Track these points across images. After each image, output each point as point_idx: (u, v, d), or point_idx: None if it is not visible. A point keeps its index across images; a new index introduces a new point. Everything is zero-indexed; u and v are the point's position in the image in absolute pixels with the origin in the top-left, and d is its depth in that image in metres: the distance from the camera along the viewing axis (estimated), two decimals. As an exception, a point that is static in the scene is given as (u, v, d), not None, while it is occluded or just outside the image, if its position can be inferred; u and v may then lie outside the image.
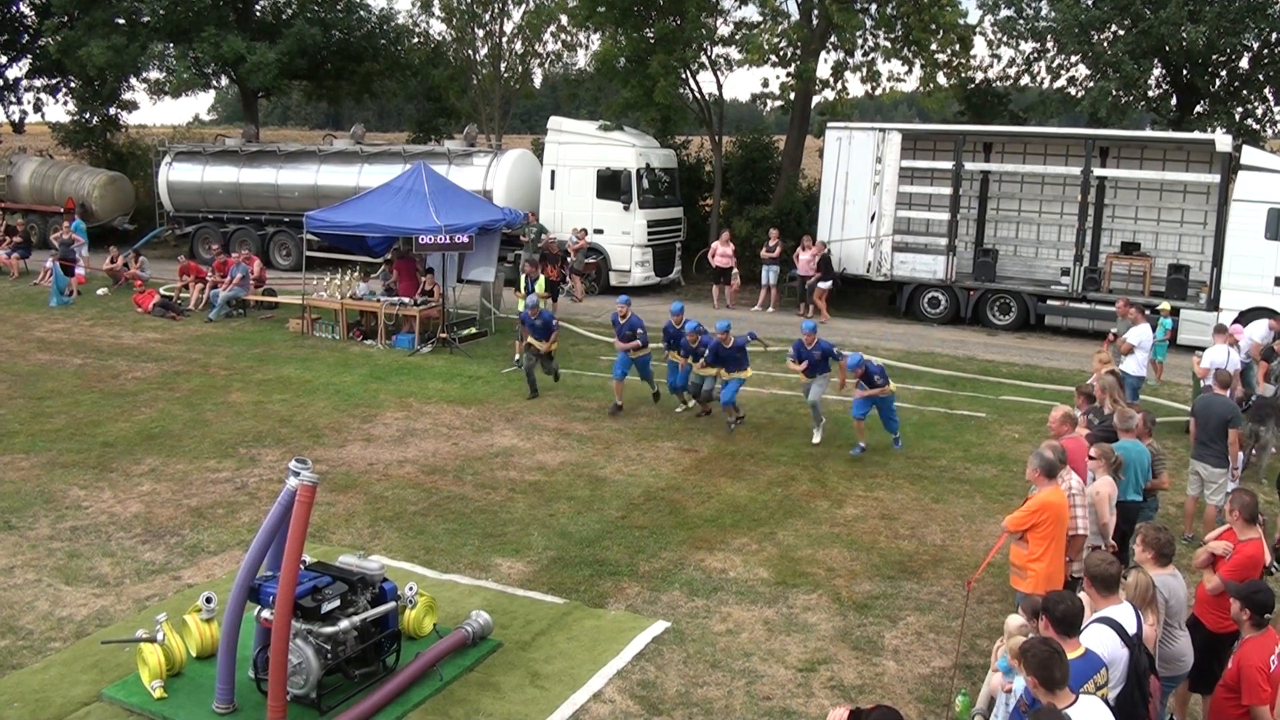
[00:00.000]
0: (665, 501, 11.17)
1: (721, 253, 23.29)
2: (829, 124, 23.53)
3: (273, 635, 6.55)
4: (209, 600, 7.58)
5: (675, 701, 7.24)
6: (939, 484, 11.98)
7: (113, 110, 34.72)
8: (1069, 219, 21.94)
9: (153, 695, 6.96)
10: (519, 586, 9.00)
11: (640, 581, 9.15)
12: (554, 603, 8.69)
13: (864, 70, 26.09)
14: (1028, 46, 26.18)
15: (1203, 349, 13.74)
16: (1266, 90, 24.37)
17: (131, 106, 35.43)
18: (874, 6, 25.53)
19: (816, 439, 13.30)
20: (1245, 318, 17.72)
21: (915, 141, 22.85)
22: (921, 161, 22.62)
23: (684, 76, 26.96)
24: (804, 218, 24.92)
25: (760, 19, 26.13)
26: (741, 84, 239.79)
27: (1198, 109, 24.47)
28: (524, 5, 32.83)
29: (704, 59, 27.35)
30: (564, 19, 30.66)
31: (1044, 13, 25.36)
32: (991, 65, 27.29)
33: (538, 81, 37.23)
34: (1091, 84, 24.37)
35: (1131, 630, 5.53)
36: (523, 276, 19.05)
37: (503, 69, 33.67)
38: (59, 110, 37.10)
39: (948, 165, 22.01)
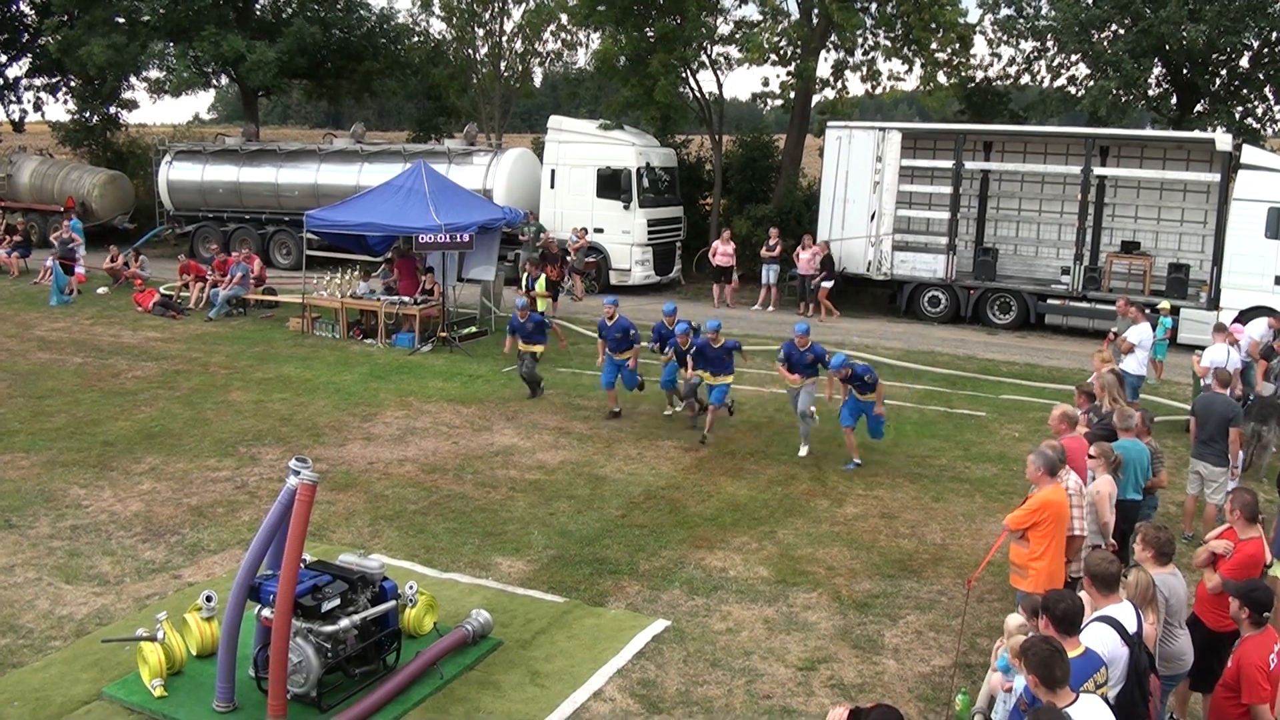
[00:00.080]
0: (665, 500, 11.18)
1: (722, 252, 23.30)
2: (829, 123, 23.54)
3: (273, 634, 6.55)
4: (209, 599, 7.58)
5: (675, 700, 7.24)
6: (939, 483, 11.98)
7: (113, 109, 34.72)
8: (1069, 218, 21.94)
9: (153, 694, 6.96)
10: (519, 585, 9.01)
11: (640, 580, 9.15)
12: (554, 601, 8.69)
13: (864, 69, 26.11)
14: (1028, 45, 26.23)
15: (1203, 348, 13.74)
16: (1267, 89, 24.38)
17: (131, 105, 35.48)
18: (874, 5, 25.53)
19: (803, 452, 12.80)
20: (1245, 317, 17.72)
21: (915, 140, 22.84)
22: (922, 160, 22.61)
23: (684, 75, 26.97)
24: (804, 217, 24.92)
25: (760, 18, 26.16)
26: (742, 83, 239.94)
27: (1198, 108, 24.47)
28: (524, 4, 32.87)
29: (704, 58, 27.37)
30: (564, 18, 30.67)
31: (1044, 11, 25.39)
32: (992, 64, 27.35)
33: (538, 80, 37.27)
34: (1092, 83, 24.37)
35: (1132, 629, 5.53)
36: (524, 275, 19.04)
37: (503, 68, 33.67)
38: (59, 109, 37.25)
39: (948, 164, 22.01)
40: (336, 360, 17.19)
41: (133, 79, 33.43)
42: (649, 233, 24.45)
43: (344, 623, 6.97)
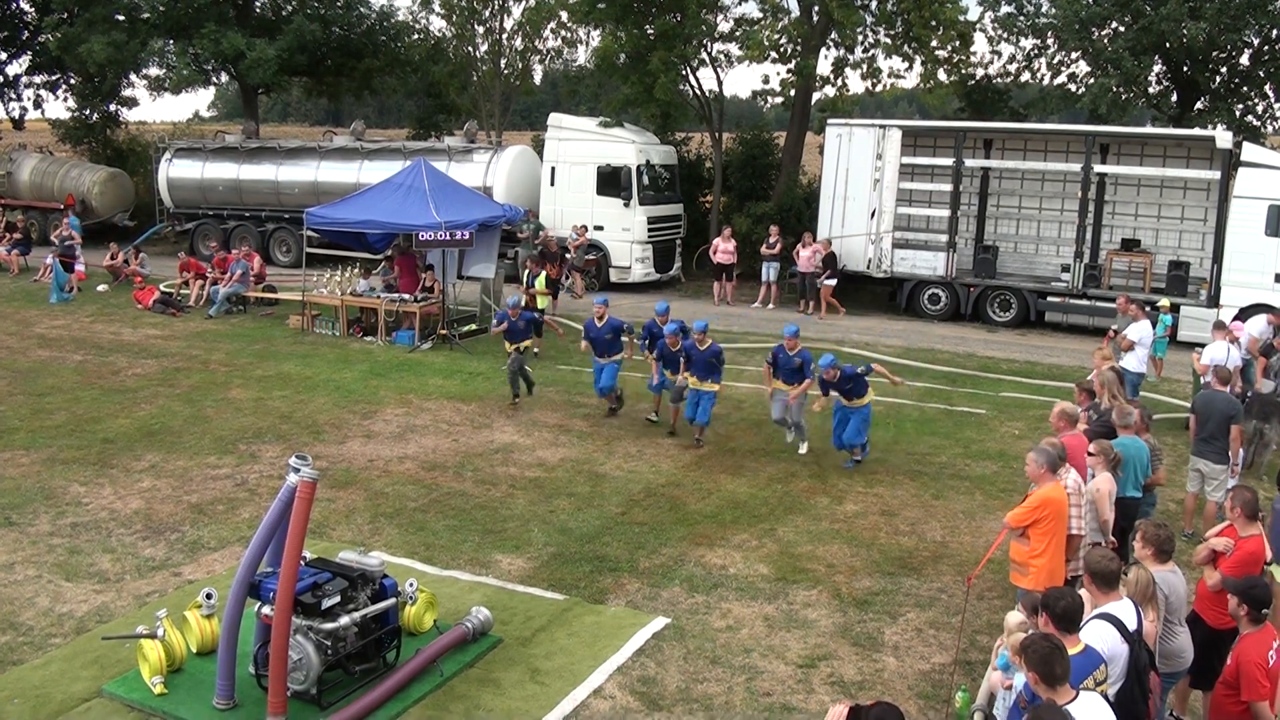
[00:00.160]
0: (665, 498, 11.18)
1: (723, 249, 23.30)
2: (829, 120, 23.53)
3: (273, 631, 6.55)
4: (209, 596, 7.58)
5: (675, 697, 7.24)
6: (939, 480, 11.98)
7: (113, 107, 34.69)
8: (1069, 215, 21.94)
9: (153, 691, 6.97)
10: (519, 583, 9.01)
11: (640, 578, 9.16)
12: (554, 599, 8.69)
13: (864, 67, 26.10)
14: (1028, 43, 26.23)
15: (1203, 346, 13.74)
16: (1267, 87, 24.37)
17: (131, 103, 35.46)
18: (874, 3, 25.54)
19: (803, 450, 12.67)
20: (1245, 314, 17.68)
21: (915, 138, 22.83)
22: (922, 158, 22.61)
23: (684, 73, 26.95)
24: (804, 214, 24.92)
25: (761, 15, 26.18)
26: (742, 80, 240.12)
27: (1198, 105, 24.46)
28: (524, 2, 32.82)
29: (704, 55, 27.35)
30: (564, 15, 30.64)
31: (1044, 9, 25.39)
32: (992, 62, 27.32)
33: (538, 78, 37.22)
34: (1092, 80, 24.37)
35: (1132, 626, 5.53)
36: (524, 272, 19.03)
37: (503, 65, 33.64)
38: (59, 107, 37.18)
39: (948, 162, 22.00)
40: (336, 358, 17.19)
41: (133, 76, 33.42)
42: (649, 230, 24.44)
43: (344, 620, 6.97)
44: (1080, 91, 25.04)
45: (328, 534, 9.88)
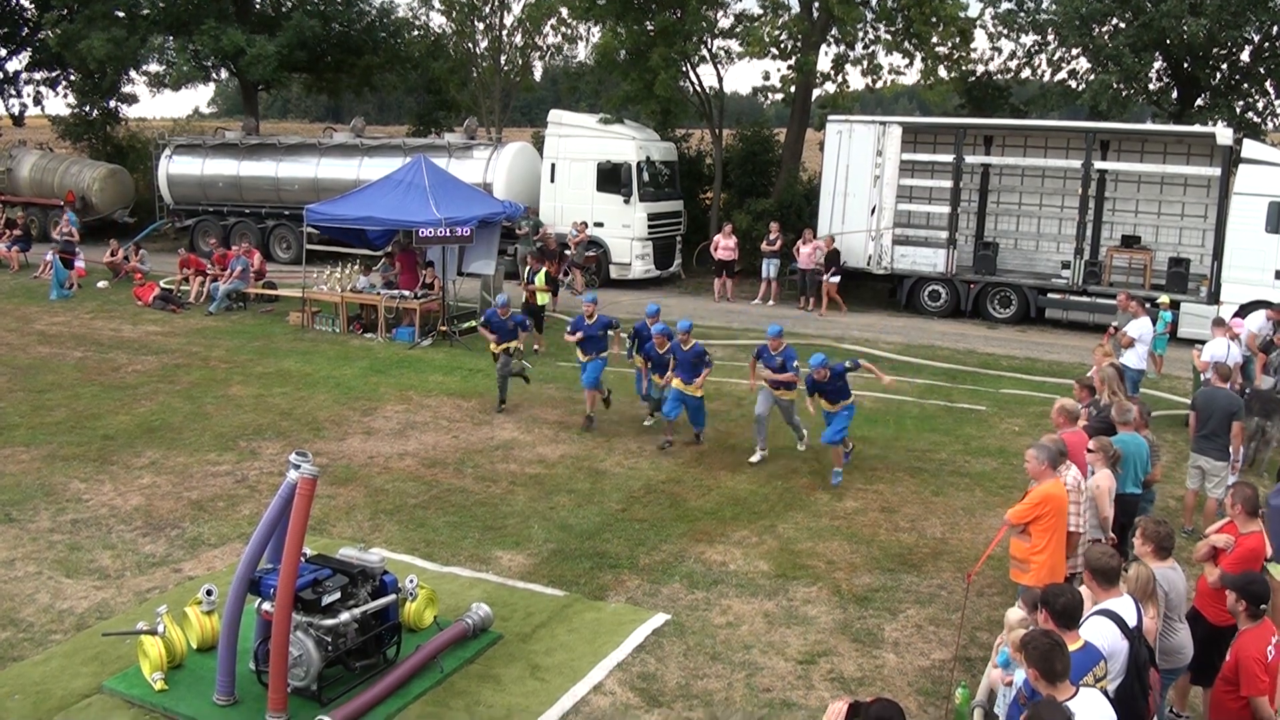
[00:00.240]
0: (665, 494, 11.18)
1: (724, 246, 23.30)
2: (829, 117, 23.55)
3: (273, 627, 6.55)
4: (209, 593, 7.58)
5: (675, 694, 7.25)
6: (939, 477, 11.98)
7: (112, 103, 34.68)
8: (1069, 212, 21.93)
9: (153, 687, 6.97)
10: (519, 579, 9.01)
11: (640, 574, 9.16)
12: (554, 595, 8.69)
13: (865, 63, 26.10)
14: (1028, 39, 26.23)
15: (1203, 343, 13.74)
16: (1267, 83, 24.37)
17: (131, 99, 35.49)
18: (874, -1, 25.52)
19: (801, 447, 12.59)
20: (1245, 311, 17.66)
21: (916, 135, 22.82)
22: (922, 155, 22.60)
23: (684, 69, 26.94)
24: (804, 211, 24.91)
25: (761, 12, 26.17)
26: (742, 77, 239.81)
27: (1198, 102, 24.43)
28: (524, -2, 32.81)
29: (704, 52, 27.33)
30: (564, 12, 30.62)
31: (1045, 5, 25.38)
32: (992, 58, 27.35)
33: (538, 74, 37.22)
34: (1092, 77, 24.36)
35: (1132, 623, 5.53)
36: (524, 269, 19.02)
37: (503, 62, 33.62)
38: (59, 103, 37.12)
39: (948, 158, 21.99)
40: (336, 355, 17.19)
41: (132, 73, 33.39)
42: (649, 227, 24.43)
43: (344, 616, 6.98)
44: (1080, 88, 25.03)
45: (328, 530, 9.89)
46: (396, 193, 18.28)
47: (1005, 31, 26.08)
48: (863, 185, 22.30)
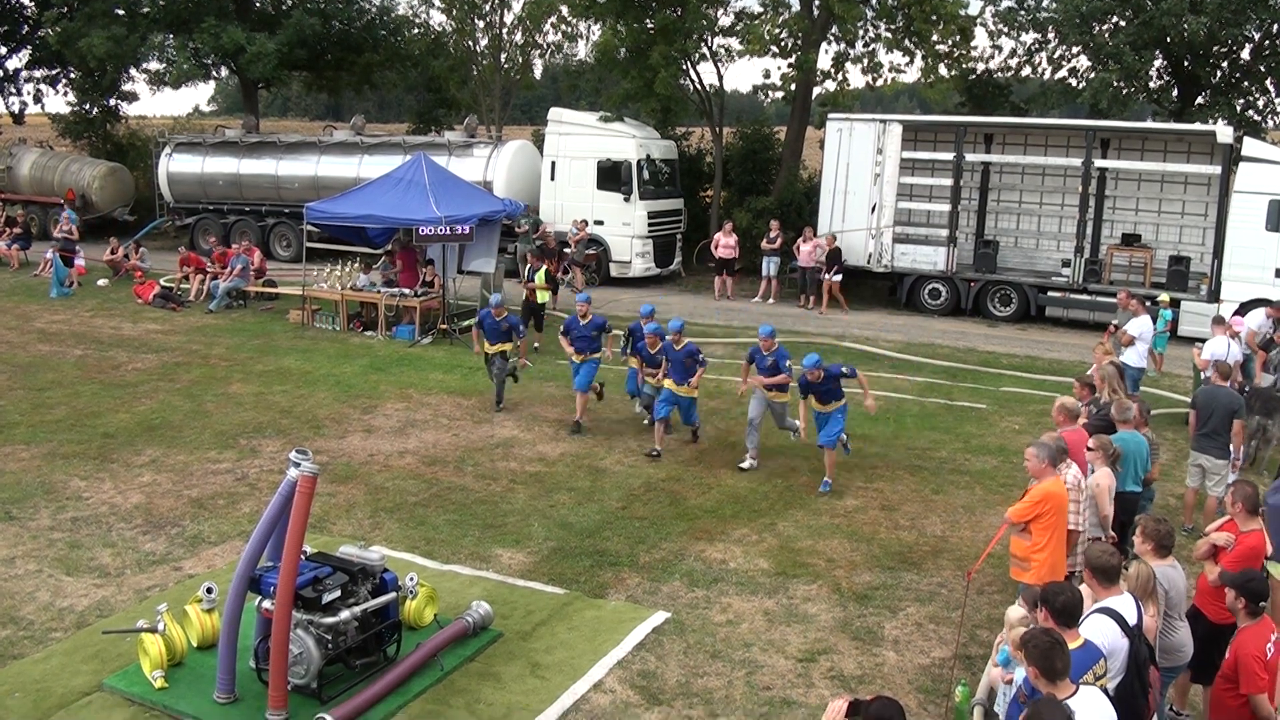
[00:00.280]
0: (665, 492, 11.18)
1: (724, 244, 23.29)
2: (830, 115, 23.53)
3: (274, 625, 6.56)
4: (210, 590, 7.58)
5: (675, 692, 7.25)
6: (939, 475, 11.98)
7: (112, 101, 34.66)
8: (1070, 210, 21.92)
9: (154, 685, 6.97)
10: (519, 577, 9.02)
11: (640, 572, 9.16)
12: (554, 593, 8.70)
13: (865, 61, 26.07)
14: (1029, 37, 26.21)
15: (1203, 341, 13.74)
16: (1268, 81, 24.36)
17: (131, 97, 35.46)
18: (875, -3, 25.50)
19: (794, 439, 12.46)
20: (1246, 309, 17.68)
21: (916, 133, 22.81)
22: (922, 153, 22.60)
23: (684, 67, 26.92)
24: (805, 209, 24.89)
25: (761, 10, 26.14)
26: (742, 75, 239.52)
27: (1199, 100, 24.42)
28: (524, -4, 32.81)
29: (705, 50, 27.31)
30: (564, 10, 30.62)
31: (1045, 3, 25.36)
32: (992, 56, 27.33)
33: (538, 72, 37.24)
34: (1092, 75, 24.34)
35: (1132, 621, 5.53)
36: (524, 267, 19.00)
37: (503, 60, 33.62)
38: (59, 101, 37.11)
39: (948, 156, 21.99)
40: (337, 352, 17.19)
41: (132, 71, 33.37)
42: (649, 225, 24.42)
43: (344, 614, 6.98)
44: (1081, 86, 25.01)
45: (328, 528, 9.89)
46: (396, 191, 18.28)
47: (1005, 29, 26.07)
48: (863, 183, 22.29)
